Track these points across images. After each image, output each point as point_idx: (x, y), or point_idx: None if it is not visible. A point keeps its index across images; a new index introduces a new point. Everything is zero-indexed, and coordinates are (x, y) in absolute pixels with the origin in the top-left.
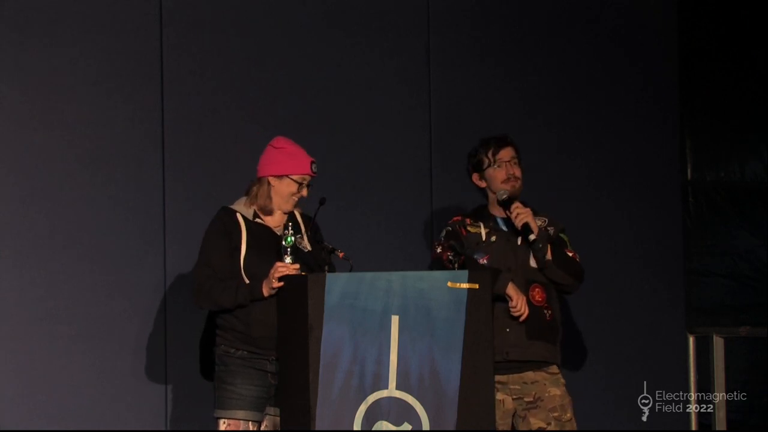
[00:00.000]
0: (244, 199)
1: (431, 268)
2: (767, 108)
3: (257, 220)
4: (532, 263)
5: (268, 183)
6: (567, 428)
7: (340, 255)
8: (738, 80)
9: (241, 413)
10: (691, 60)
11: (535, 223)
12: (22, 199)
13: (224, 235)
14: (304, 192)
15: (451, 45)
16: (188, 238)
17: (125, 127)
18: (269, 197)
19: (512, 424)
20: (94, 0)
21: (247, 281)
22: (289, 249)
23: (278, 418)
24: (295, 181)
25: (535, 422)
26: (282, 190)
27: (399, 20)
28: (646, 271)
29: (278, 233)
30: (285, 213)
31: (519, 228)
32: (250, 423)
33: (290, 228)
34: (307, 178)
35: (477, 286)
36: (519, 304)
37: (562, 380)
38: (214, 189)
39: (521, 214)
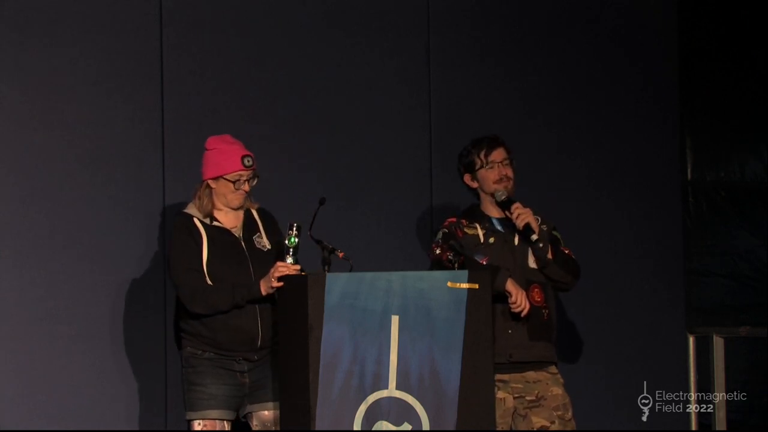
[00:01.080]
0: (195, 202)
1: (431, 270)
2: (767, 108)
3: (215, 223)
4: (531, 263)
5: (208, 185)
6: (569, 427)
7: (340, 255)
8: (738, 80)
9: (214, 413)
10: (691, 60)
11: (536, 223)
12: (22, 199)
13: (192, 238)
14: (245, 187)
15: (451, 45)
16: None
17: (125, 127)
18: (210, 200)
19: (511, 422)
20: (94, 0)
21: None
22: (291, 249)
23: (264, 413)
24: (229, 180)
25: (538, 421)
26: (221, 191)
27: (399, 20)
28: (646, 271)
29: (236, 234)
30: (235, 210)
31: (520, 228)
32: (225, 422)
33: (295, 228)
34: (244, 173)
35: (477, 286)
36: (519, 299)
37: (561, 380)
38: None
39: (522, 215)
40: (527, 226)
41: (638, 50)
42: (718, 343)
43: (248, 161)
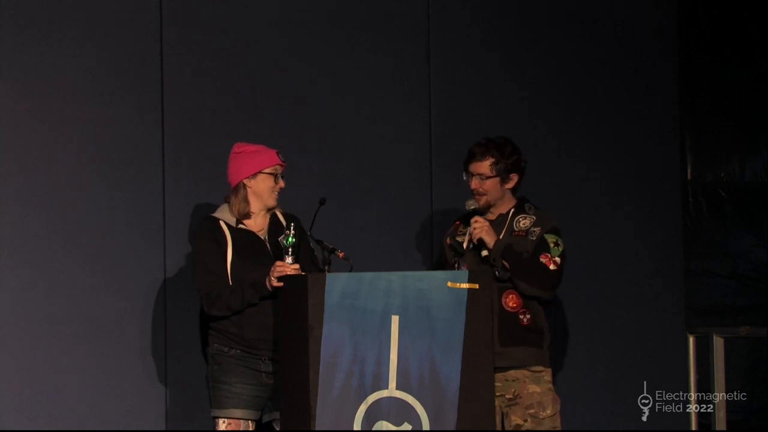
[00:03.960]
0: (225, 206)
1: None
2: (767, 108)
3: (240, 225)
4: None
5: (244, 186)
6: (545, 425)
7: (340, 255)
8: (738, 80)
9: (238, 412)
10: (691, 60)
11: (492, 237)
12: (22, 199)
13: (214, 241)
14: (281, 183)
15: (451, 45)
16: (188, 238)
17: (125, 127)
18: (246, 201)
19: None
20: (94, 0)
21: (231, 284)
22: (290, 249)
23: None
24: (269, 174)
25: (515, 419)
26: (259, 188)
27: (399, 20)
28: (646, 271)
29: (262, 237)
30: (268, 211)
31: (475, 242)
32: (249, 422)
33: (292, 228)
34: (279, 168)
35: (477, 286)
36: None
37: (546, 378)
38: (214, 189)
39: (476, 230)
40: (481, 240)
41: (638, 50)
42: (718, 343)
43: (282, 157)
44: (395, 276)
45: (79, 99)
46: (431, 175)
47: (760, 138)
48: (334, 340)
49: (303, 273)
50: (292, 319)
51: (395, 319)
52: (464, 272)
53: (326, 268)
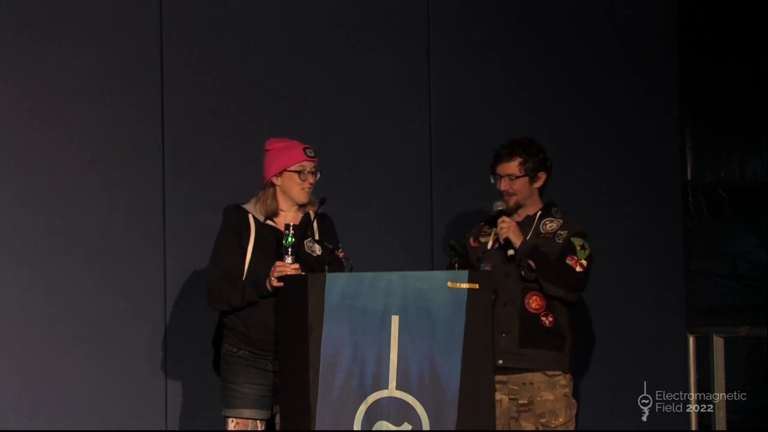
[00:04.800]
0: (254, 200)
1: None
2: (767, 108)
3: (268, 222)
4: None
5: (272, 184)
6: None
7: (340, 255)
8: (738, 80)
9: (247, 412)
10: (691, 60)
11: (518, 237)
12: (22, 199)
13: (236, 235)
14: (310, 179)
15: (451, 45)
16: (188, 238)
17: (125, 127)
18: (274, 199)
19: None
20: (94, 0)
21: (244, 277)
22: (289, 249)
23: None
24: (294, 171)
25: (526, 425)
26: (287, 185)
27: (399, 20)
28: (646, 271)
29: None
30: (300, 208)
31: (501, 242)
32: (258, 422)
33: (291, 228)
34: (306, 164)
35: (477, 286)
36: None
37: (563, 382)
38: (214, 189)
39: (503, 229)
40: (507, 240)
41: (638, 50)
42: (718, 343)
43: (310, 152)
44: (395, 276)
45: (79, 99)
46: (431, 175)
47: (760, 138)
48: (334, 340)
49: (303, 273)
50: (292, 319)
51: (395, 319)
52: (464, 272)
53: (326, 268)
